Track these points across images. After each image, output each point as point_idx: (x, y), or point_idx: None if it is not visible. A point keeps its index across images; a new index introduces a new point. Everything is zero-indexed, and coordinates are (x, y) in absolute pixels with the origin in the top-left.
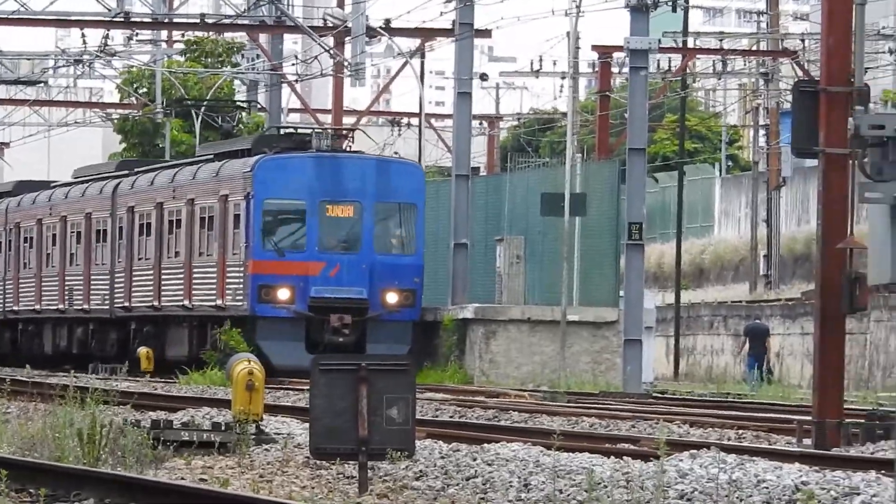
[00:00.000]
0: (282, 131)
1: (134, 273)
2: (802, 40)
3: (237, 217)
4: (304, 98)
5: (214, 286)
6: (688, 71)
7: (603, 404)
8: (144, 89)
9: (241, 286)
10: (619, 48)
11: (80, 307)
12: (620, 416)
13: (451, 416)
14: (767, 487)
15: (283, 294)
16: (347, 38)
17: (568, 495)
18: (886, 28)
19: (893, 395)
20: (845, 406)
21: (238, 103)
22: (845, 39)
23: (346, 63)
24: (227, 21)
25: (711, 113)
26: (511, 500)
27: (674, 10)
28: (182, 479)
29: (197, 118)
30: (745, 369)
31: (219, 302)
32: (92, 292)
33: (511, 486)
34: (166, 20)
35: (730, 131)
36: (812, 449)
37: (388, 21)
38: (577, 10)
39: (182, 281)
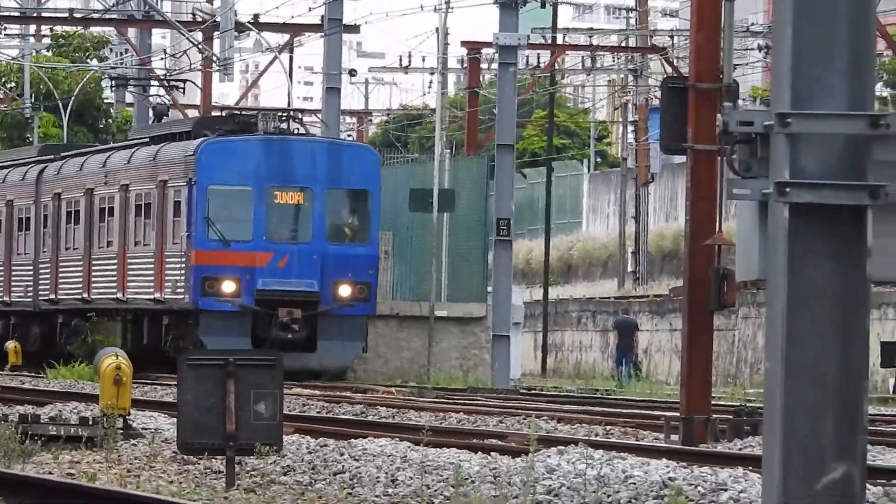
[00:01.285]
0: (224, 113)
1: (61, 264)
2: (671, 37)
3: (177, 204)
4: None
5: (152, 278)
6: (557, 67)
7: (471, 400)
8: (13, 84)
9: (183, 278)
10: (488, 44)
11: None
12: (488, 411)
13: (318, 412)
14: (635, 483)
15: (228, 287)
16: (216, 33)
17: (435, 491)
18: (756, 25)
19: (761, 391)
20: (713, 402)
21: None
22: (714, 36)
23: (214, 58)
24: (95, 15)
25: (580, 109)
26: (378, 495)
27: (543, 6)
28: (49, 473)
29: (65, 112)
30: (614, 365)
31: (157, 295)
32: (13, 284)
33: (378, 481)
34: (35, 14)
35: (598, 127)
36: (680, 445)
37: (256, 16)
38: (447, 6)
39: (115, 272)
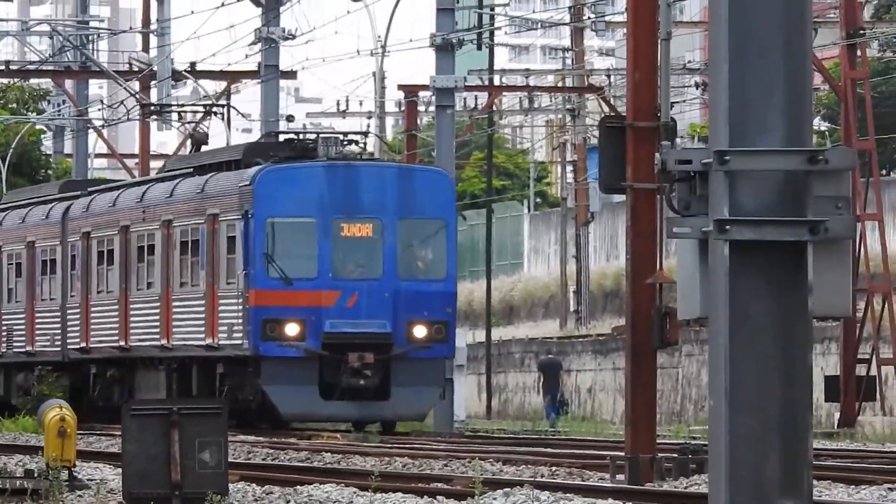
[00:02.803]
0: (281, 137)
1: (92, 309)
2: (608, 76)
3: (231, 240)
4: (110, 143)
5: (202, 322)
6: (494, 108)
7: (416, 443)
8: None
9: (240, 321)
10: (425, 87)
11: (21, 349)
12: (434, 455)
13: (263, 459)
14: None
15: (292, 329)
16: (153, 82)
17: None
18: (693, 62)
19: (706, 428)
20: (658, 441)
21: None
22: (651, 74)
23: (152, 107)
24: (31, 67)
25: (519, 150)
26: None
27: (479, 48)
28: None
29: (4, 164)
30: (544, 406)
31: (209, 340)
32: (37, 333)
33: None
34: None
35: (537, 168)
36: (626, 484)
37: (193, 64)
38: (383, 50)
39: (158, 316)
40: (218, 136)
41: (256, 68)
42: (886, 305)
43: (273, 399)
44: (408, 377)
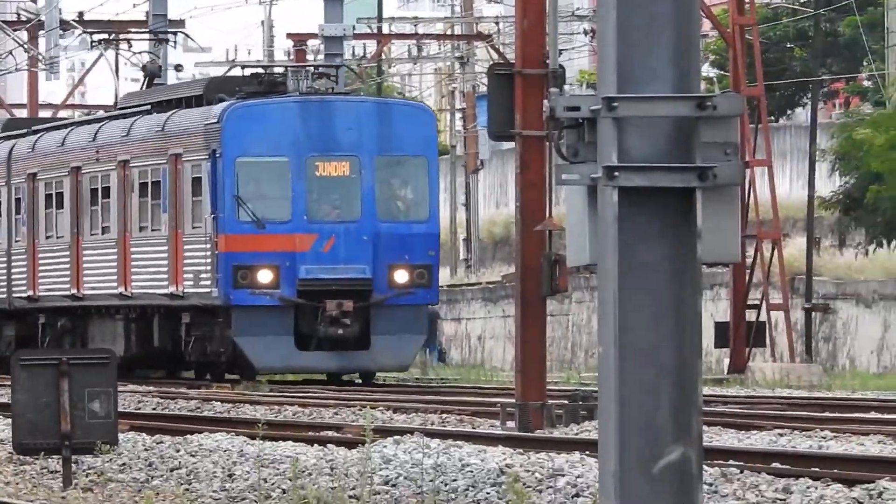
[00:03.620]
0: (247, 71)
1: (40, 255)
2: (497, 23)
3: (197, 181)
4: None
5: (165, 269)
6: (383, 57)
7: (306, 393)
8: None
9: (209, 268)
10: (314, 35)
11: None
12: (324, 403)
13: (154, 409)
14: (472, 471)
15: (265, 276)
16: (41, 32)
17: (273, 484)
18: (581, 9)
19: (596, 375)
20: (548, 388)
21: None
22: (539, 22)
23: (40, 57)
24: None
25: (408, 98)
26: (215, 490)
27: None
28: None
29: None
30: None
31: (173, 289)
32: None
33: (215, 476)
34: None
35: None
36: (516, 432)
37: (81, 14)
38: None
39: (115, 263)
40: (106, 86)
41: (145, 18)
42: (776, 251)
43: (246, 351)
44: (389, 325)
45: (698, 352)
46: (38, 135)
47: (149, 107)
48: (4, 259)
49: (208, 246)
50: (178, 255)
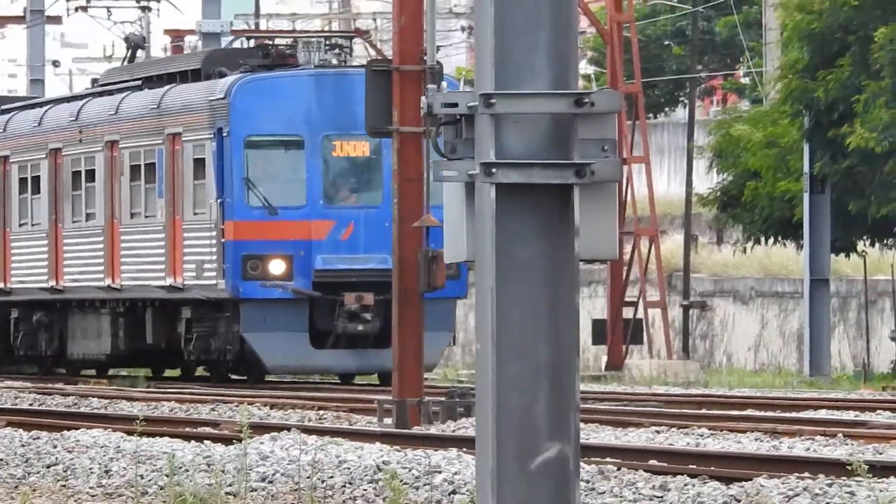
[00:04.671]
0: (251, 42)
1: (13, 244)
2: (374, 20)
3: (199, 162)
4: None
5: (162, 259)
6: None
7: (183, 388)
8: None
9: (213, 258)
10: (192, 32)
11: None
12: (201, 399)
13: (30, 404)
14: (349, 468)
15: (277, 267)
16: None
17: (149, 480)
18: (458, 6)
19: (473, 372)
20: (426, 385)
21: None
22: (416, 19)
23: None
24: None
25: None
26: (92, 486)
27: None
28: None
29: None
30: None
31: (170, 280)
32: None
33: (92, 472)
34: None
35: None
36: (393, 428)
37: None
38: None
39: (101, 253)
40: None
41: (22, 13)
42: (653, 248)
43: (256, 348)
44: None
45: (575, 349)
46: (11, 114)
47: (139, 82)
48: None
49: (213, 234)
50: (176, 244)
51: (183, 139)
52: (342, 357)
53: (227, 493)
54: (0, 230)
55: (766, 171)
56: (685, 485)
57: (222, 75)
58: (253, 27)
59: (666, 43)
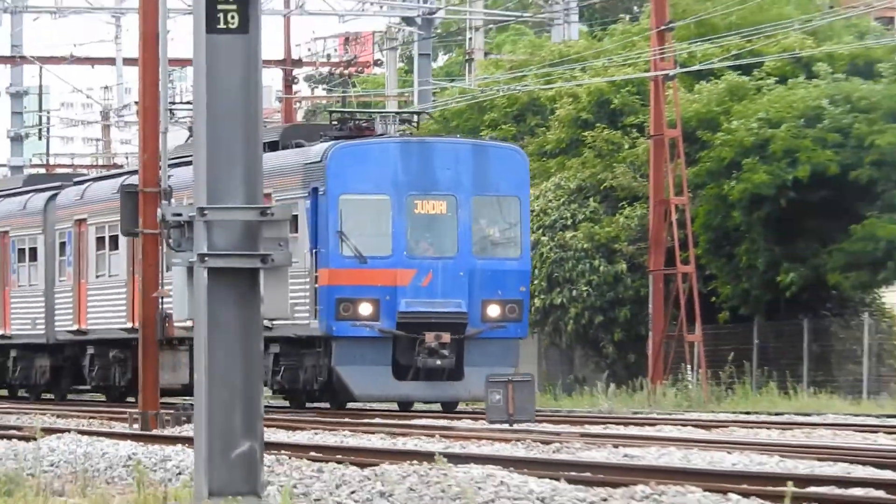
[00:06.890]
0: (334, 120)
1: (90, 292)
2: (126, 157)
3: (293, 218)
4: None
5: None
6: None
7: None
8: None
9: (305, 301)
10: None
11: None
12: (7, 411)
13: None
14: (110, 457)
15: (366, 309)
16: None
17: None
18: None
19: (194, 395)
20: (161, 402)
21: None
22: (154, 155)
23: None
24: None
25: None
26: None
27: (39, 137)
28: None
29: None
30: None
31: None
32: (13, 316)
33: None
34: None
35: None
36: (139, 431)
37: None
38: None
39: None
40: None
41: None
42: None
43: (345, 379)
44: (482, 357)
45: (260, 378)
46: (87, 184)
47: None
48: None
49: (307, 280)
50: None
51: (274, 198)
52: (420, 388)
53: (27, 475)
54: (75, 282)
55: None
56: (334, 468)
57: (299, 146)
58: (44, 162)
59: None
